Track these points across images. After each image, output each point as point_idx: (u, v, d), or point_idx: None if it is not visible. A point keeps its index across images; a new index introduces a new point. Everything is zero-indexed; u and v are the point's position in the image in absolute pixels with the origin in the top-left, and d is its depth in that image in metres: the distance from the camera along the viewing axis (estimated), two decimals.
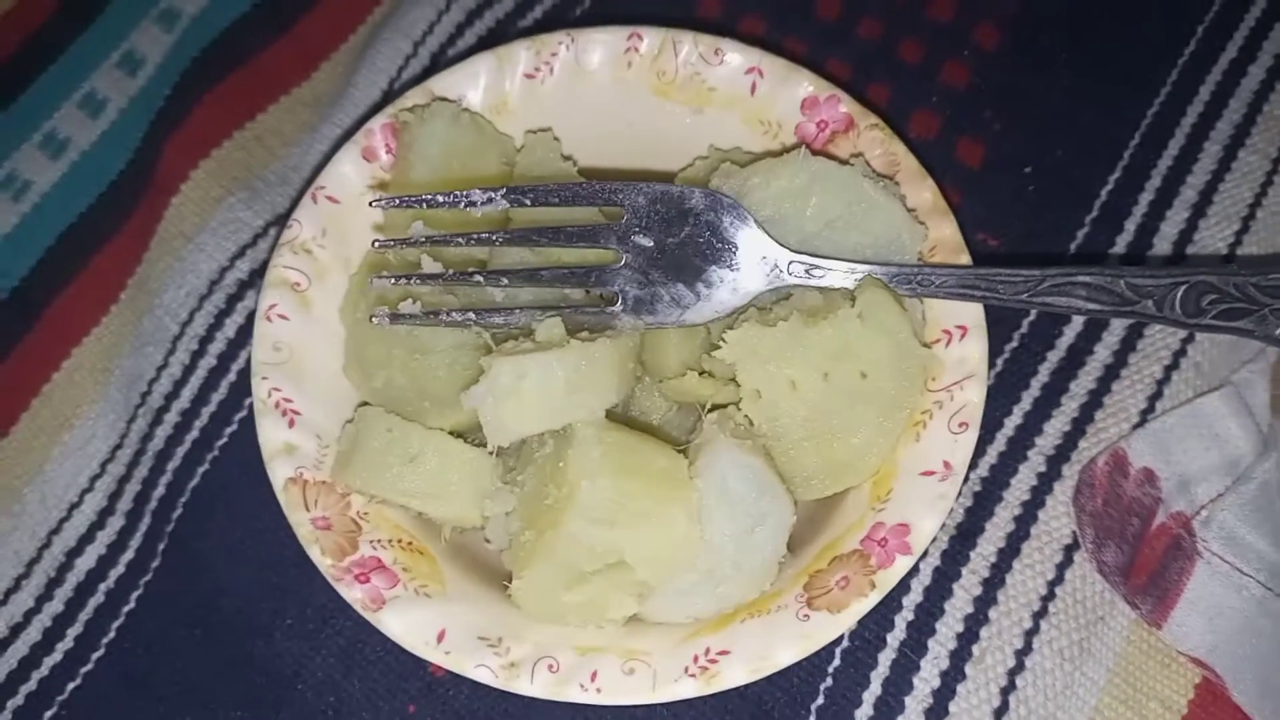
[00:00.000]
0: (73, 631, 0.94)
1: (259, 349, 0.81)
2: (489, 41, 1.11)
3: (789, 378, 0.75)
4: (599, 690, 0.71)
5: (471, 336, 0.79)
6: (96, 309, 1.06)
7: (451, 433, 0.78)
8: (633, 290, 0.78)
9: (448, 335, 0.79)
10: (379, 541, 0.78)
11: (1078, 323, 0.94)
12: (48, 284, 1.07)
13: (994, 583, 0.85)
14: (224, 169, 1.08)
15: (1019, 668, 0.83)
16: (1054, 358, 0.93)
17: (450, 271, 0.79)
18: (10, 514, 0.99)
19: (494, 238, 0.78)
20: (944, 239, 0.82)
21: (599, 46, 0.90)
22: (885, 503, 0.75)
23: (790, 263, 0.78)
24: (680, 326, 0.79)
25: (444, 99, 0.89)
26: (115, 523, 0.97)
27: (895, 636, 0.85)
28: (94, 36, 1.18)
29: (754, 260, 0.78)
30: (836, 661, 0.85)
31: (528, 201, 0.78)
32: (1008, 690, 0.82)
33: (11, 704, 0.92)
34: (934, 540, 0.74)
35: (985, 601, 0.85)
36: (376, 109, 1.07)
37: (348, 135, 1.01)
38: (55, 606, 0.95)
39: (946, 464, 0.75)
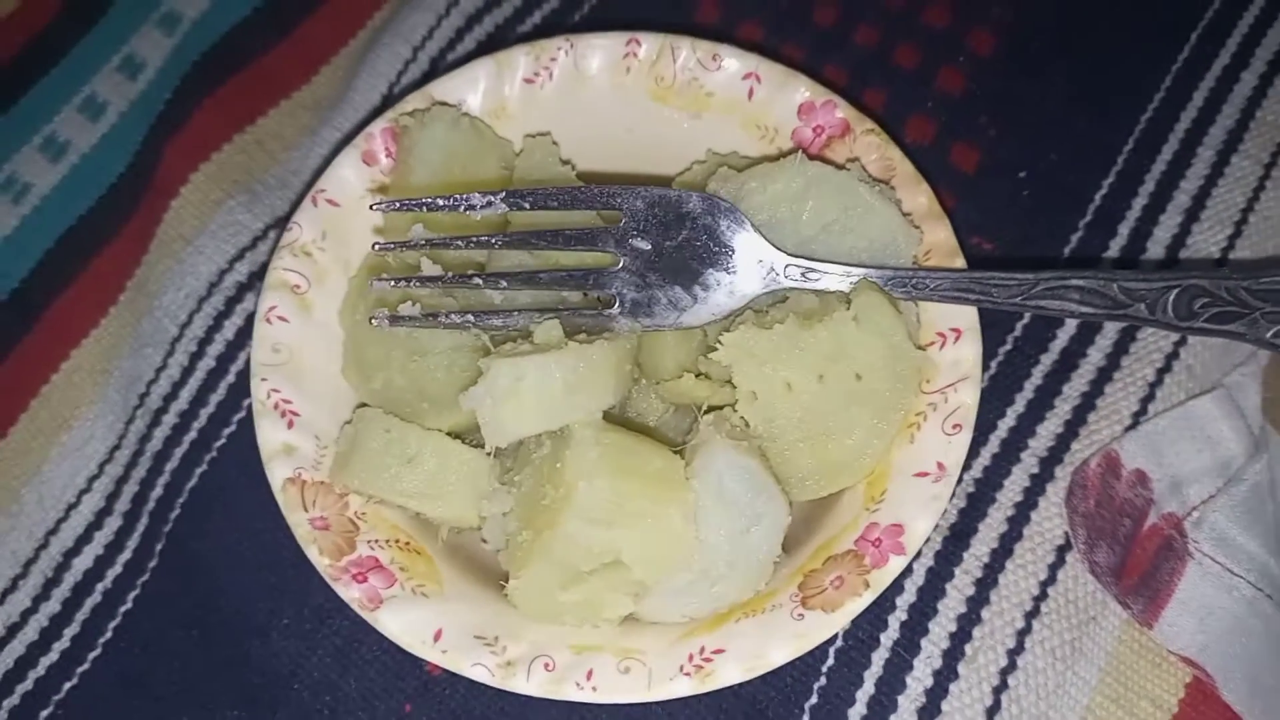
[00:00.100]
0: (69, 632, 0.94)
1: (258, 350, 0.82)
2: (488, 47, 1.12)
3: (785, 379, 0.75)
4: (595, 689, 0.72)
5: (470, 338, 0.80)
6: (95, 311, 1.06)
7: (449, 434, 0.78)
8: (630, 293, 0.79)
9: (446, 337, 0.80)
10: (376, 541, 0.78)
11: (1071, 326, 0.94)
12: (47, 286, 1.08)
13: (987, 583, 0.86)
14: (224, 172, 1.09)
15: (1011, 667, 0.83)
16: (1047, 360, 0.93)
17: (449, 274, 0.79)
18: (8, 514, 0.99)
19: (493, 241, 0.79)
20: (939, 243, 0.82)
21: (598, 52, 0.90)
22: (879, 503, 0.76)
23: (786, 266, 0.79)
24: (677, 329, 0.80)
25: (444, 103, 0.89)
26: (113, 523, 0.97)
27: (889, 636, 0.85)
28: (95, 40, 1.18)
29: (750, 263, 0.79)
30: (830, 661, 0.85)
31: (527, 205, 0.78)
32: (1000, 689, 0.83)
33: (8, 704, 0.92)
34: (927, 541, 0.75)
35: (978, 601, 0.85)
36: (376, 113, 1.07)
37: (348, 139, 1.01)
38: (52, 607, 0.95)
39: (940, 465, 0.75)
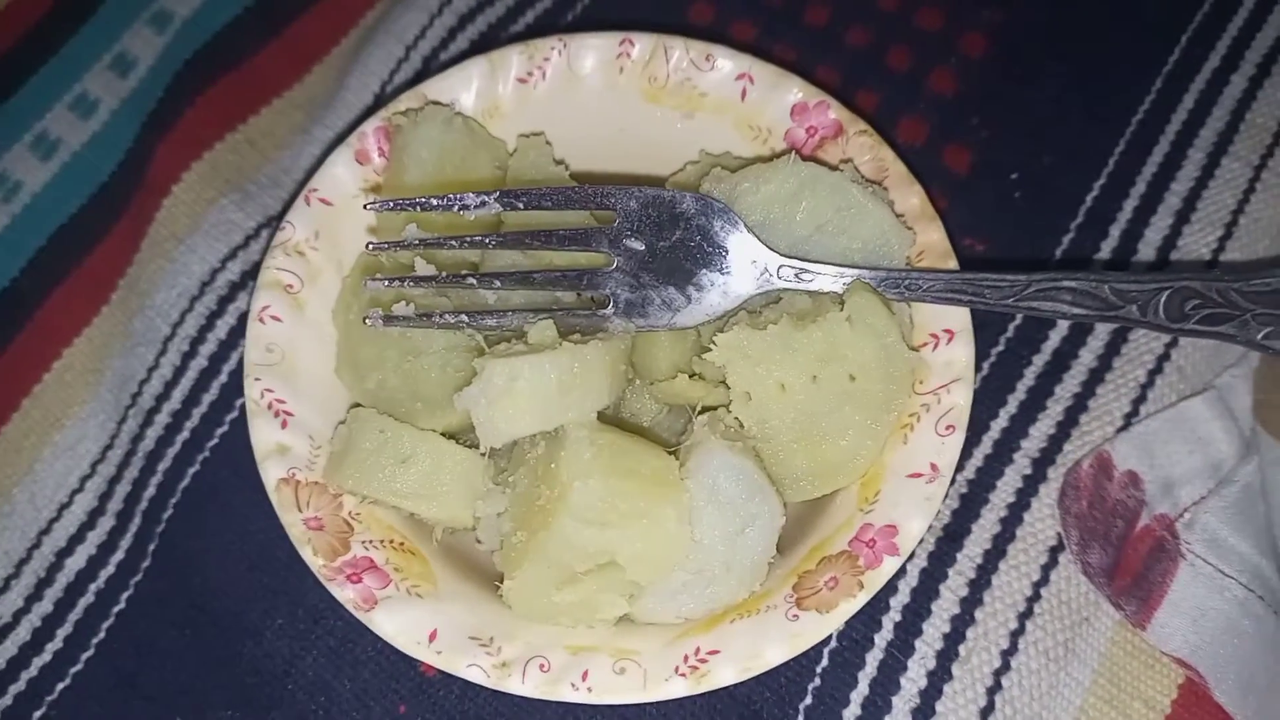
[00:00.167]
0: (62, 632, 0.94)
1: (252, 350, 0.81)
2: (481, 46, 1.12)
3: (778, 380, 0.76)
4: (590, 689, 0.72)
5: (464, 338, 0.80)
6: (87, 309, 1.06)
7: (444, 434, 0.78)
8: (624, 293, 0.79)
9: (440, 337, 0.80)
10: (371, 542, 0.78)
11: (1063, 327, 0.95)
12: (38, 284, 1.08)
13: (980, 584, 0.86)
14: (216, 171, 1.09)
15: (1005, 668, 0.84)
16: (1039, 361, 0.94)
17: (443, 274, 0.79)
18: (0, 514, 0.99)
19: (487, 240, 0.79)
20: (931, 244, 0.83)
21: (591, 52, 0.91)
22: (873, 504, 0.76)
23: (780, 267, 0.79)
24: (671, 329, 0.80)
25: (437, 103, 0.89)
26: (105, 523, 0.97)
27: (882, 637, 0.85)
28: (86, 38, 1.18)
29: (744, 264, 0.79)
30: (824, 662, 0.85)
31: (521, 205, 0.78)
32: (994, 690, 0.83)
33: (1, 705, 0.92)
34: (921, 541, 0.75)
35: (971, 603, 0.86)
36: (368, 112, 1.07)
37: (340, 138, 1.02)
38: (45, 607, 0.95)
39: (934, 466, 0.76)
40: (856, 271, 0.78)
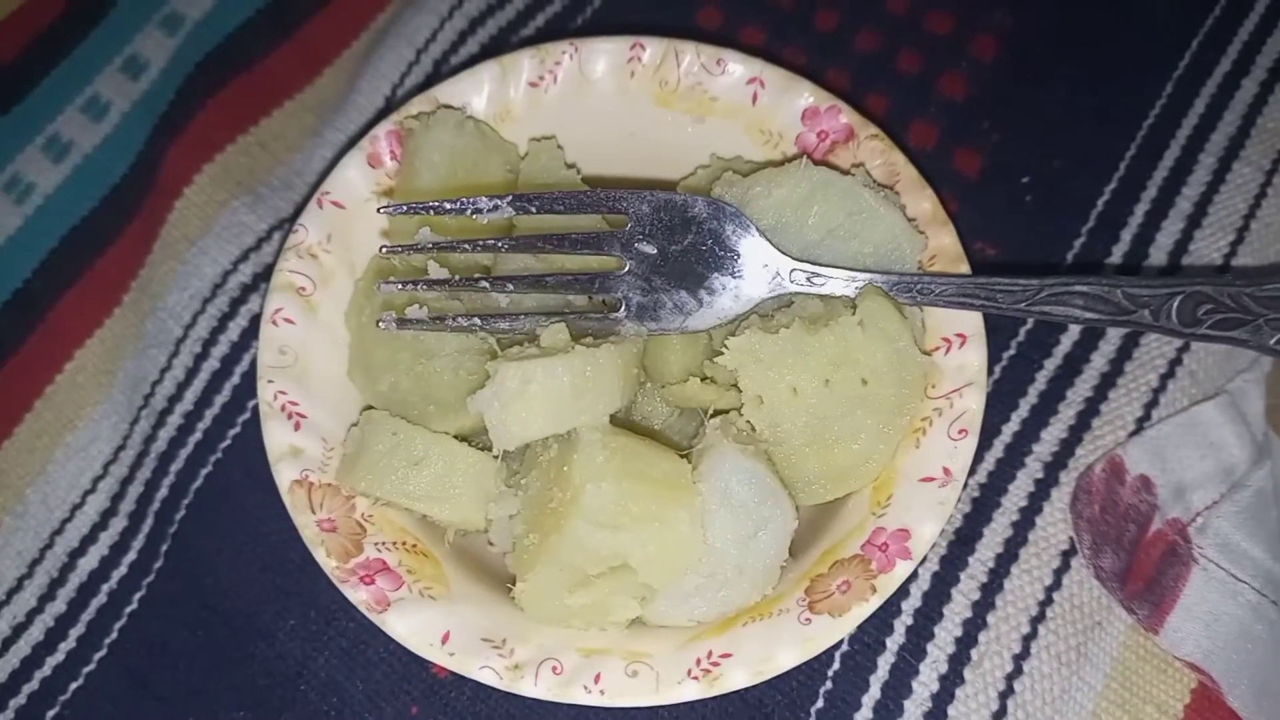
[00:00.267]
0: (75, 631, 0.94)
1: (265, 353, 0.82)
2: (491, 49, 1.12)
3: (790, 384, 0.76)
4: (602, 692, 0.72)
5: (477, 341, 0.80)
6: (100, 311, 1.06)
7: (456, 437, 0.79)
8: (636, 297, 0.79)
9: (453, 340, 0.80)
10: (383, 544, 0.78)
11: (1074, 331, 0.95)
12: (51, 286, 1.08)
13: (992, 588, 0.86)
14: (227, 173, 1.09)
15: (1017, 672, 0.84)
16: (1051, 366, 0.94)
17: (456, 277, 0.79)
18: (13, 514, 0.99)
19: (499, 244, 0.79)
20: (943, 248, 0.83)
21: (602, 56, 0.91)
22: (886, 508, 0.76)
23: (792, 270, 0.79)
24: (683, 333, 0.80)
25: (448, 106, 0.89)
26: (118, 524, 0.97)
27: (894, 641, 0.85)
28: (98, 40, 1.18)
29: (756, 268, 0.79)
30: (836, 665, 0.85)
31: (533, 209, 0.79)
32: (1006, 695, 0.83)
33: (14, 703, 0.92)
34: (933, 546, 0.75)
35: (983, 606, 0.86)
36: (379, 115, 1.08)
37: (351, 141, 1.02)
38: (58, 606, 0.95)
39: (946, 470, 0.76)
40: (868, 276, 0.78)
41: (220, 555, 0.94)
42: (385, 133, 0.89)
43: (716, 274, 0.79)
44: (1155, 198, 0.99)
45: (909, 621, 0.86)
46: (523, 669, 0.73)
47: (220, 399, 0.99)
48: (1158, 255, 0.97)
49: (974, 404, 0.77)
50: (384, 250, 0.80)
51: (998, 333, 0.93)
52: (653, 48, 0.90)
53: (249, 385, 0.99)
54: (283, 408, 0.80)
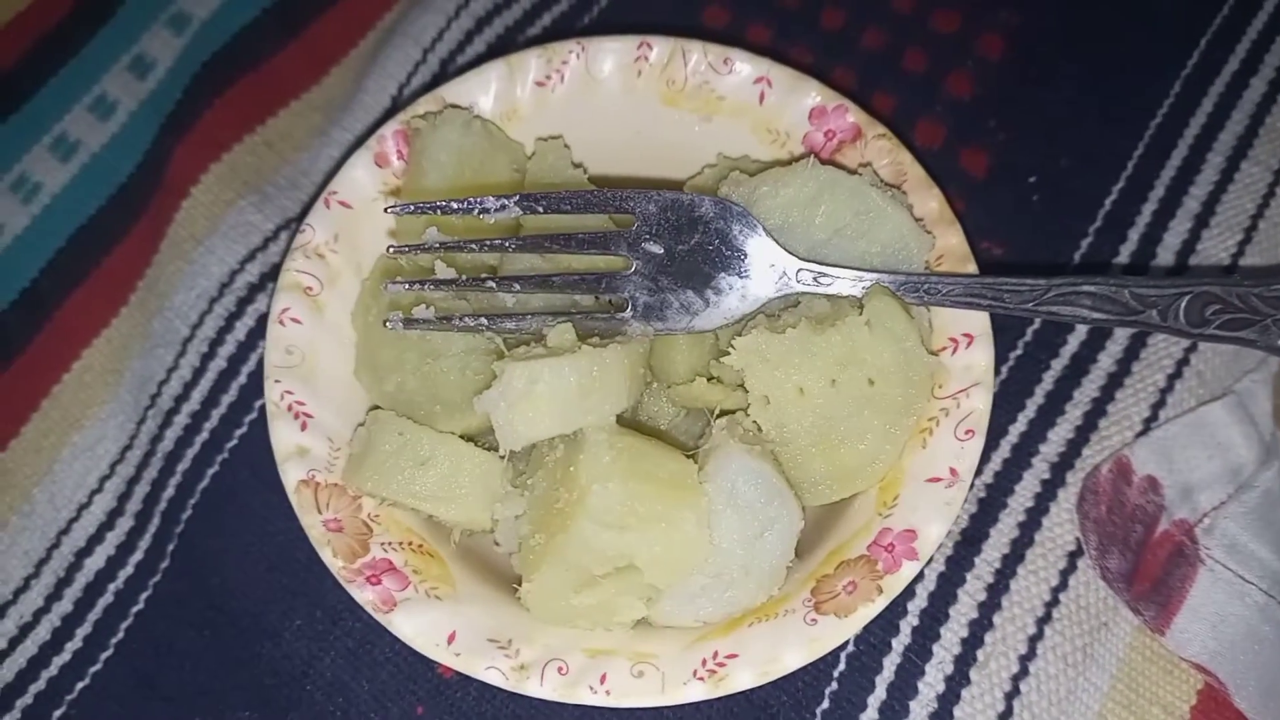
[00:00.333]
0: (82, 632, 0.94)
1: (272, 352, 0.82)
2: (498, 49, 1.12)
3: (797, 384, 0.76)
4: (608, 693, 0.72)
5: (483, 341, 0.80)
6: (106, 310, 1.07)
7: (463, 436, 0.79)
8: (643, 296, 0.79)
9: (460, 340, 0.80)
10: (390, 544, 0.78)
11: (1081, 331, 0.94)
12: (58, 285, 1.08)
13: (998, 588, 0.86)
14: (234, 172, 1.09)
15: (1023, 673, 0.84)
16: (1058, 366, 0.93)
17: (463, 277, 0.79)
18: (20, 513, 1.00)
19: (506, 244, 0.79)
20: (950, 248, 0.83)
21: (609, 55, 0.91)
22: (892, 509, 0.76)
23: (799, 270, 0.79)
24: (689, 333, 0.80)
25: (455, 106, 0.89)
26: (124, 524, 0.98)
27: (900, 641, 0.85)
28: (105, 40, 1.19)
29: (763, 268, 0.79)
30: (841, 666, 0.85)
31: (540, 209, 0.79)
32: (1012, 695, 0.83)
33: (21, 703, 0.92)
34: (940, 546, 0.75)
35: (990, 607, 0.86)
36: (386, 114, 1.08)
37: (358, 140, 1.02)
38: (64, 606, 0.96)
39: (953, 470, 0.75)
40: (875, 275, 0.78)
41: (227, 555, 0.94)
42: (392, 132, 0.89)
43: (723, 274, 0.79)
44: (1163, 197, 0.99)
45: (915, 622, 0.86)
46: (528, 669, 0.73)
47: (227, 399, 0.99)
48: (1165, 255, 0.97)
49: (981, 404, 0.77)
50: (391, 250, 0.80)
51: (1005, 333, 0.93)
52: (660, 47, 0.90)
53: (255, 385, 0.99)
54: (289, 407, 0.80)
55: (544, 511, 0.73)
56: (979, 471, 0.89)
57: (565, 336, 0.75)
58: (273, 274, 1.02)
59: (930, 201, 0.84)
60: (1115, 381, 0.92)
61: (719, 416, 0.78)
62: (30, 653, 0.94)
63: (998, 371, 0.92)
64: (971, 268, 0.82)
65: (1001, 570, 0.87)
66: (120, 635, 0.93)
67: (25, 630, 0.95)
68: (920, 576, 0.87)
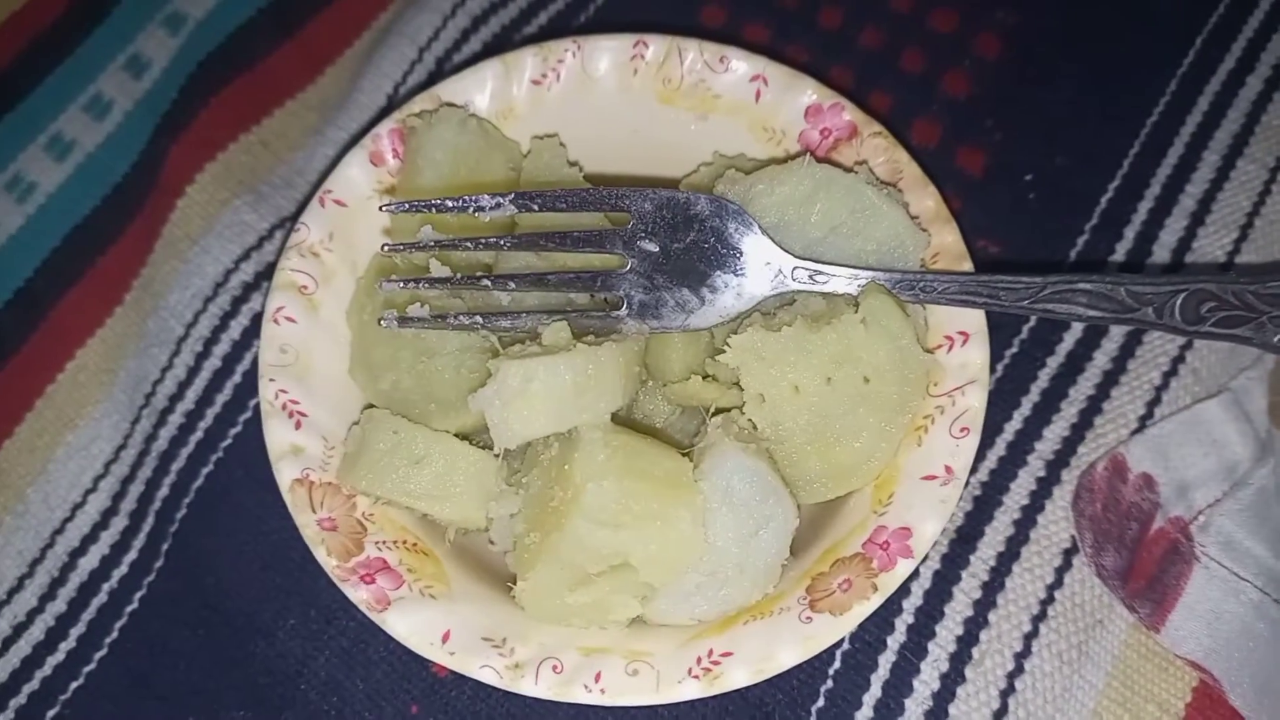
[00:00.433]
0: (76, 631, 0.94)
1: (266, 351, 0.82)
2: (493, 48, 1.12)
3: (792, 382, 0.76)
4: (603, 691, 0.72)
5: (478, 340, 0.80)
6: (101, 310, 1.06)
7: (457, 435, 0.79)
8: (638, 295, 0.79)
9: (454, 338, 0.80)
10: (384, 543, 0.78)
11: (1077, 329, 0.94)
12: (53, 285, 1.08)
13: (993, 586, 0.86)
14: (229, 172, 1.09)
15: (1018, 671, 0.84)
16: (1054, 363, 0.93)
17: (458, 275, 0.79)
18: (14, 513, 0.99)
19: (501, 242, 0.79)
20: (946, 246, 0.83)
21: (605, 54, 0.91)
22: (887, 506, 0.76)
23: (794, 268, 0.79)
24: (685, 331, 0.80)
25: (451, 104, 0.89)
26: (119, 523, 0.97)
27: (895, 639, 0.85)
28: (100, 39, 1.19)
29: (758, 265, 0.79)
30: (836, 664, 0.85)
31: (535, 207, 0.79)
32: (1007, 693, 0.83)
33: (14, 703, 0.92)
34: (935, 544, 0.75)
35: (984, 605, 0.86)
36: (382, 114, 1.08)
37: (354, 140, 1.02)
38: (58, 606, 0.95)
39: (948, 468, 0.75)
40: (871, 273, 0.78)
41: (221, 554, 0.93)
42: (387, 131, 0.89)
43: (719, 272, 0.79)
44: (1159, 195, 0.99)
45: (910, 620, 0.86)
46: (523, 668, 0.73)
47: (222, 398, 0.99)
48: (1161, 253, 0.97)
49: (976, 402, 0.77)
50: (386, 248, 0.80)
51: (1000, 330, 0.93)
52: (656, 45, 0.90)
53: (250, 384, 0.99)
54: (284, 406, 0.80)
55: (539, 510, 0.73)
56: (974, 469, 0.89)
57: (560, 335, 0.75)
58: (268, 273, 1.02)
59: (926, 199, 0.84)
60: (1111, 379, 0.92)
61: (714, 414, 0.78)
62: (24, 652, 0.94)
63: (993, 369, 0.92)
64: (967, 266, 0.82)
65: (997, 568, 0.87)
66: (114, 634, 0.93)
67: (19, 630, 0.95)
68: (916, 574, 0.87)
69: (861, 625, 0.74)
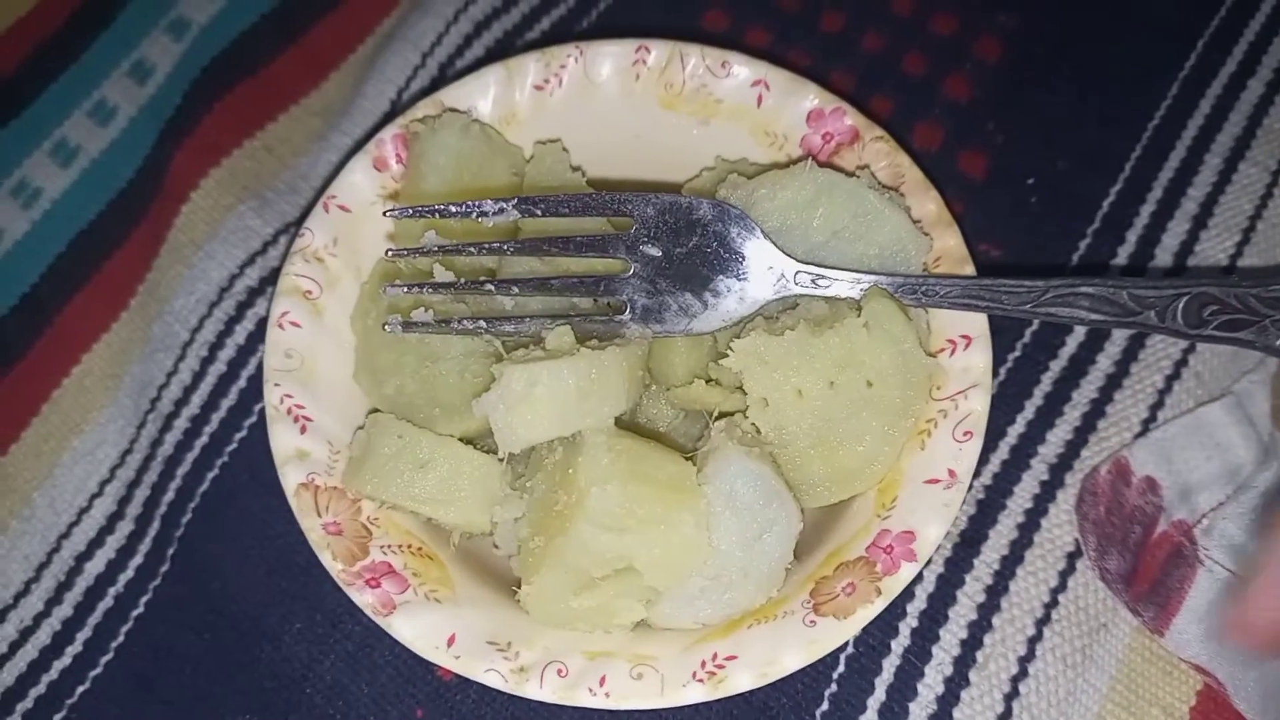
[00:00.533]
0: (81, 636, 0.94)
1: (271, 356, 0.82)
2: (496, 53, 1.12)
3: (795, 386, 0.76)
4: (608, 695, 0.72)
5: (482, 344, 0.80)
6: (107, 315, 1.07)
7: (462, 439, 0.79)
8: (641, 299, 0.79)
9: (459, 343, 0.80)
10: (389, 547, 0.78)
11: (1079, 333, 0.95)
12: (58, 290, 1.08)
13: (998, 590, 0.86)
14: (234, 177, 1.09)
15: (1022, 674, 0.84)
16: (1056, 367, 0.93)
17: (461, 280, 0.79)
18: (20, 518, 1.00)
19: (505, 247, 0.79)
20: (948, 250, 0.83)
21: (607, 59, 0.91)
22: (891, 510, 0.76)
23: (797, 273, 0.79)
24: (688, 335, 0.80)
25: (454, 110, 0.90)
26: (124, 527, 0.98)
27: (900, 643, 0.85)
28: (105, 45, 1.19)
29: (761, 270, 0.79)
30: (841, 668, 0.85)
31: (539, 212, 0.79)
32: (1011, 696, 0.83)
33: (20, 707, 0.92)
34: (938, 548, 0.75)
35: (989, 608, 0.86)
36: (385, 119, 1.08)
37: (357, 145, 1.02)
38: (64, 610, 0.96)
39: (951, 472, 0.75)
40: (873, 277, 0.78)
41: (226, 559, 0.94)
42: (391, 136, 0.89)
43: (721, 276, 0.79)
44: (1161, 199, 0.99)
45: (914, 624, 0.86)
46: (528, 672, 0.73)
47: (226, 402, 0.99)
48: (1163, 256, 0.97)
49: (979, 406, 0.77)
50: (389, 254, 0.80)
51: (1003, 334, 0.93)
52: (658, 50, 0.90)
53: (255, 389, 0.99)
54: (289, 411, 0.80)
55: (543, 514, 0.74)
56: (977, 473, 0.89)
57: (564, 339, 0.75)
58: (272, 278, 1.02)
59: (928, 203, 0.84)
60: (1113, 383, 0.92)
61: (718, 418, 0.78)
62: (30, 656, 0.94)
63: (996, 373, 0.92)
64: (969, 269, 0.82)
65: (1000, 572, 0.87)
66: (120, 639, 0.93)
67: (25, 634, 0.95)
68: (919, 578, 0.87)
69: (867, 629, 0.74)
